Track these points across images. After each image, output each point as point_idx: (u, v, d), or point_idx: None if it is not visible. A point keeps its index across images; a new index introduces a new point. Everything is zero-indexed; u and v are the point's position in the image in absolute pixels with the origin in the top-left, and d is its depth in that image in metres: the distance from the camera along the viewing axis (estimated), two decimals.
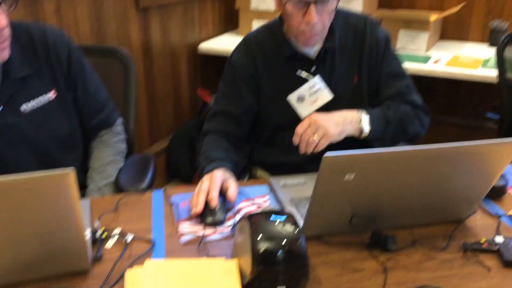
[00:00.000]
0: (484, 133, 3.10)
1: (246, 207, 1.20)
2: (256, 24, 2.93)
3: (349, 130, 1.27)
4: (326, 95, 1.39)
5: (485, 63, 2.50)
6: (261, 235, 0.87)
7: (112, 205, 1.19)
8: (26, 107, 1.29)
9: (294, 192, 1.25)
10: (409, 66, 2.46)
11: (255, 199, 1.24)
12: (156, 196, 1.25)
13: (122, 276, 0.94)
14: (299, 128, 1.22)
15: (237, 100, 1.42)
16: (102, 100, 1.46)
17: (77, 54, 1.38)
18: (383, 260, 1.00)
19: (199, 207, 1.13)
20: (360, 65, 1.40)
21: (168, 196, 1.24)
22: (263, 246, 0.86)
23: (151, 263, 0.95)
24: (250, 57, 1.41)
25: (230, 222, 1.14)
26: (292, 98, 1.40)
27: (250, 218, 0.93)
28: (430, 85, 3.02)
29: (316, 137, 1.19)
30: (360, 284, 0.94)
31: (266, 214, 0.94)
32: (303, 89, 1.39)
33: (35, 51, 1.30)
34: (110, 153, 1.45)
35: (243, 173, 1.55)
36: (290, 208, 1.17)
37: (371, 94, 1.43)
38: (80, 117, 1.42)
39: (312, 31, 1.28)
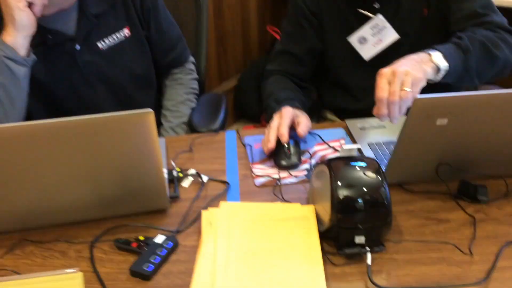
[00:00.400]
0: None
1: (321, 151, 1.16)
2: None
3: (428, 70, 1.03)
4: (391, 35, 1.26)
5: None
6: (341, 181, 0.83)
7: (187, 145, 1.19)
8: (103, 44, 1.29)
9: (373, 136, 1.18)
10: None
11: (330, 142, 1.19)
12: (229, 137, 1.24)
13: (198, 216, 0.94)
14: (380, 92, 0.97)
15: (300, 39, 1.35)
16: (174, 38, 1.44)
17: None
18: (471, 211, 0.93)
19: (270, 144, 1.09)
20: None
21: (241, 137, 1.22)
22: (343, 193, 0.82)
23: (226, 205, 0.95)
24: None
25: (305, 166, 1.10)
26: (354, 39, 1.29)
27: (329, 163, 0.88)
28: None
29: (407, 87, 0.96)
30: (446, 236, 0.88)
31: (346, 159, 0.89)
32: (364, 30, 1.27)
33: None
34: (183, 92, 1.44)
35: (310, 115, 1.48)
36: (369, 153, 1.11)
37: (444, 28, 1.24)
38: (153, 55, 1.41)
39: None
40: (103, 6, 1.27)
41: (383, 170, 0.86)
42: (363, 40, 1.29)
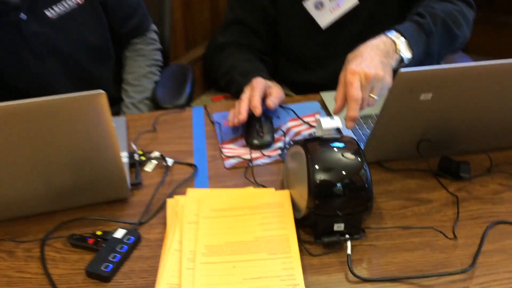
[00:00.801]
0: None
1: (295, 127, 1.08)
2: None
3: (393, 64, 0.96)
4: (350, 0, 1.16)
5: None
6: (318, 164, 0.76)
7: (149, 124, 1.10)
8: (52, 13, 1.16)
9: None
10: None
11: (305, 117, 1.11)
12: (197, 113, 1.15)
13: (163, 205, 0.86)
14: (355, 91, 0.86)
15: (251, 6, 1.22)
16: (133, 4, 1.32)
17: None
18: (453, 190, 0.88)
19: (242, 116, 1.00)
20: None
21: (210, 114, 1.13)
22: (321, 177, 0.75)
23: (194, 192, 0.87)
24: None
25: (278, 144, 1.03)
26: (309, 4, 1.18)
27: (305, 144, 0.80)
28: None
29: (376, 95, 0.89)
30: (428, 218, 0.83)
31: (323, 140, 0.81)
32: None
33: None
34: (145, 64, 1.33)
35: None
36: (346, 130, 1.04)
37: None
38: (110, 24, 1.29)
39: None
40: None
41: (363, 150, 0.79)
42: (319, 5, 1.18)
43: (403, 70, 0.73)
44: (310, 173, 0.75)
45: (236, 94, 1.11)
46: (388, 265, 0.75)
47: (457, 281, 0.72)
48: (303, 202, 0.77)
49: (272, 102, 1.04)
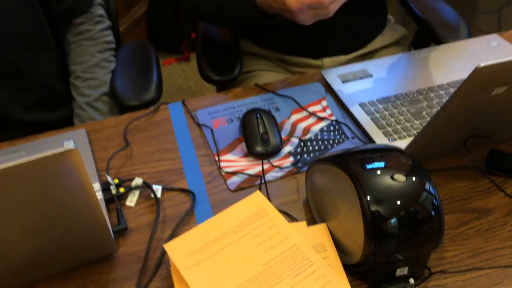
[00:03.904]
0: None
1: (302, 121, 0.88)
2: None
3: None
4: None
5: None
6: (373, 194, 0.57)
7: (118, 134, 0.86)
8: None
9: (363, 91, 0.92)
10: None
11: (310, 106, 0.91)
12: (175, 113, 0.91)
13: (163, 256, 0.66)
14: None
15: None
16: None
17: None
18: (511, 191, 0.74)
19: None
20: None
21: (193, 114, 0.90)
22: (381, 212, 0.56)
23: (197, 231, 0.65)
24: None
25: (288, 148, 0.83)
26: None
27: (346, 165, 0.61)
28: None
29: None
30: (496, 236, 0.68)
31: (365, 157, 0.63)
32: None
33: None
34: (95, 50, 1.05)
35: (232, 65, 1.07)
36: (364, 118, 0.86)
37: None
38: (43, 4, 0.98)
39: None
40: None
41: (420, 164, 0.61)
42: None
43: (482, 64, 0.54)
44: (365, 210, 0.57)
45: (243, 16, 0.90)
46: None
47: None
48: (355, 246, 0.60)
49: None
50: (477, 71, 0.55)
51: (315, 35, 1.05)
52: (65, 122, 1.04)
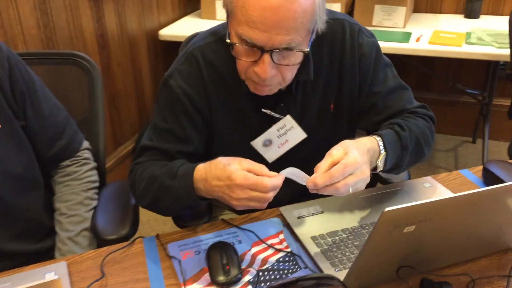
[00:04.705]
0: (461, 107, 3.02)
1: (261, 253, 1.00)
2: (219, 4, 2.65)
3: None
4: (298, 135, 1.10)
5: (467, 37, 2.36)
6: None
7: (95, 266, 0.96)
8: None
9: (314, 227, 1.05)
10: (391, 46, 2.31)
11: (269, 239, 1.04)
12: (149, 246, 1.02)
13: None
14: (337, 170, 0.86)
15: (177, 140, 1.07)
16: (59, 123, 1.17)
17: (21, 71, 1.08)
18: None
19: (276, 180, 0.86)
20: (340, 84, 1.10)
21: (164, 246, 1.01)
22: None
23: None
24: (197, 82, 1.05)
25: (247, 278, 0.93)
26: (258, 143, 1.10)
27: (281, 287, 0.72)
28: (402, 60, 2.86)
29: (351, 185, 0.87)
30: None
31: (300, 280, 0.74)
32: (270, 132, 1.09)
33: None
34: (79, 189, 1.18)
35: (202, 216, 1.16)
36: (314, 250, 0.98)
37: (352, 118, 1.15)
38: (35, 147, 1.13)
39: (265, 83, 0.97)
40: None
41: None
42: (268, 143, 1.10)
43: (387, 209, 0.69)
44: None
45: (176, 204, 1.00)
46: None
47: None
48: None
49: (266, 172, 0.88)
50: (384, 214, 0.69)
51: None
52: (49, 252, 1.13)
